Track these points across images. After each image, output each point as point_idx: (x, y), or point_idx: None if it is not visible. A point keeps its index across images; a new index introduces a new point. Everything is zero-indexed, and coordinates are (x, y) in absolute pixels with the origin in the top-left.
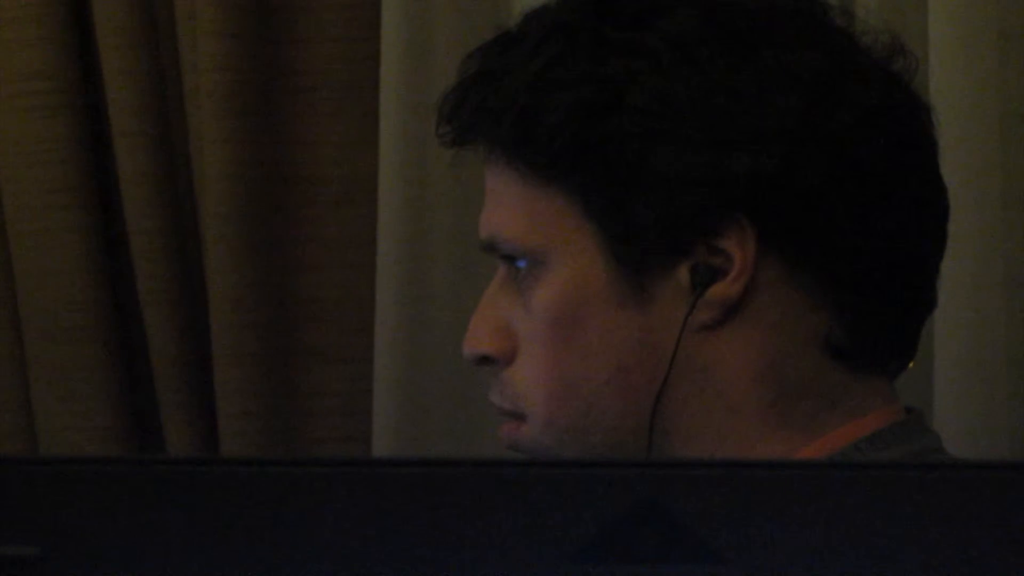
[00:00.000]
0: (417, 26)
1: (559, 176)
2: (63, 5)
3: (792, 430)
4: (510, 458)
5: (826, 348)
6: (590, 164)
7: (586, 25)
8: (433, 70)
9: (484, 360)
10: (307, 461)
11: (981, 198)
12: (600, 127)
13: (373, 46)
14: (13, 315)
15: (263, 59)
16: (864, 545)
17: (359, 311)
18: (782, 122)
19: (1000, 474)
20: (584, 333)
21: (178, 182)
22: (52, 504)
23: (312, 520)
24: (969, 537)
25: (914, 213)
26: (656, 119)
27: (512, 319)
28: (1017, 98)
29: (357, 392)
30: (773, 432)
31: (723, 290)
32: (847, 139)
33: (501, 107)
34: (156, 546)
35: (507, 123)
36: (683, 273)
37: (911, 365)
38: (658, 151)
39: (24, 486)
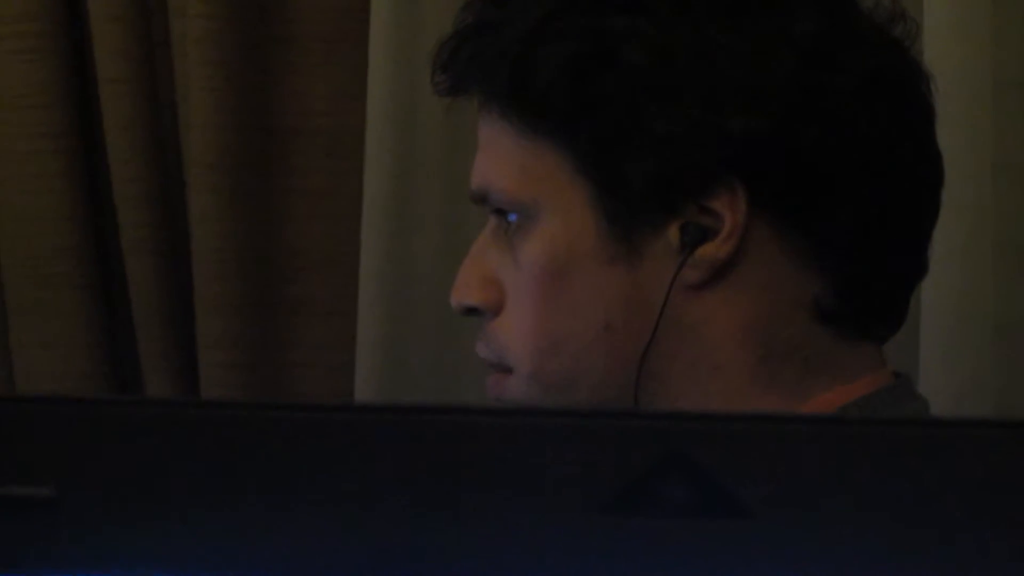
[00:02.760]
0: None
1: (552, 130)
2: None
3: (779, 393)
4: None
5: (815, 312)
6: (583, 119)
7: None
8: (423, 22)
9: (471, 311)
10: (319, 407)
11: (973, 165)
12: (594, 82)
13: None
14: None
15: (251, 7)
16: (876, 501)
17: (344, 263)
18: (777, 84)
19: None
20: (572, 289)
21: (163, 130)
22: (66, 444)
23: (326, 465)
24: (968, 494)
25: (908, 179)
26: (651, 76)
27: (501, 271)
28: (1010, 66)
29: (341, 344)
30: (760, 394)
31: (712, 250)
32: (843, 103)
33: (496, 58)
34: (171, 487)
35: (502, 75)
36: (673, 232)
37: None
38: (652, 109)
39: (38, 426)
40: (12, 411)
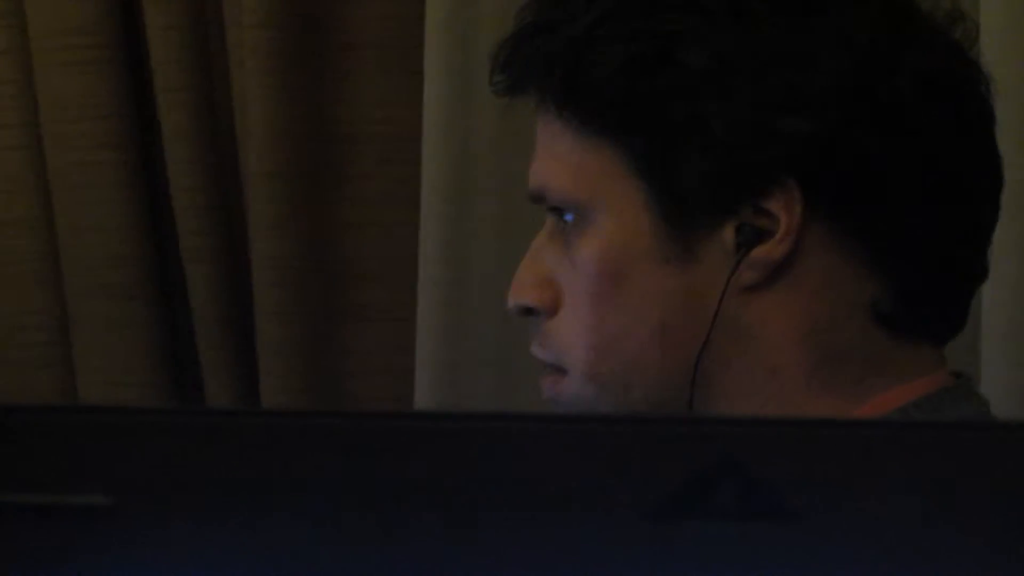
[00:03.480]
0: None
1: (608, 130)
2: None
3: (837, 395)
4: (552, 412)
5: (873, 314)
6: (639, 119)
7: None
8: (477, 28)
9: (527, 311)
10: (374, 414)
11: None
12: (651, 82)
13: (419, 4)
14: (55, 270)
15: (306, 16)
16: (929, 504)
17: (402, 270)
18: (835, 85)
19: None
20: (627, 289)
21: (221, 139)
22: (124, 454)
23: (371, 473)
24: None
25: (967, 182)
26: (707, 77)
27: (557, 272)
28: None
29: (400, 350)
30: (817, 396)
31: (768, 251)
32: (901, 104)
33: (553, 58)
34: (226, 497)
35: (558, 74)
36: (728, 233)
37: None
38: (708, 109)
39: (95, 435)
40: (66, 420)
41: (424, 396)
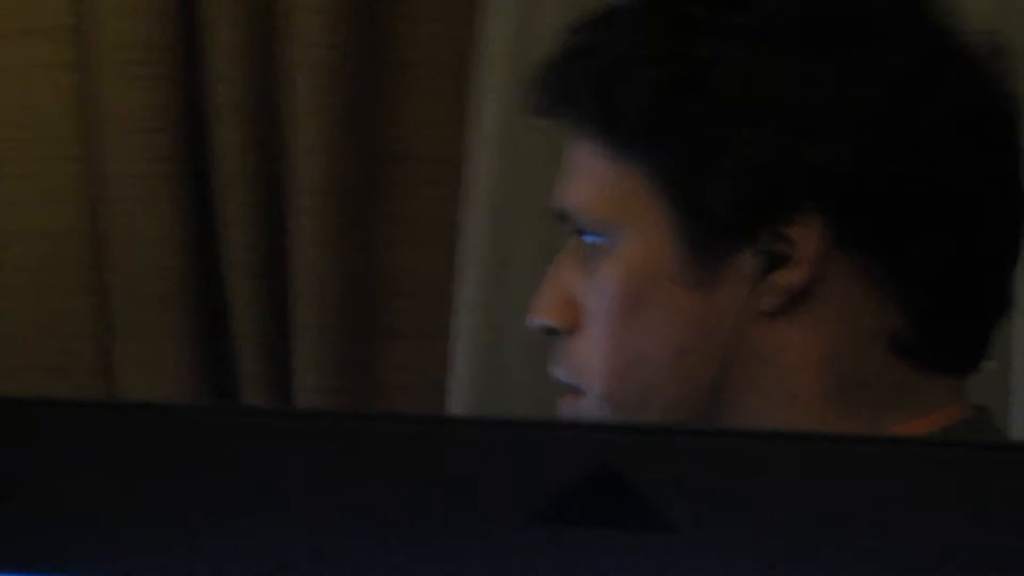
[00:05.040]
0: (520, 8)
1: (636, 153)
2: None
3: (854, 423)
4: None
5: (893, 345)
6: (667, 142)
7: (676, 5)
8: (530, 51)
9: (548, 331)
10: (287, 413)
11: None
12: (680, 107)
13: (472, 25)
14: (102, 280)
15: (359, 34)
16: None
17: (439, 289)
18: (862, 115)
19: None
20: (648, 312)
21: (272, 155)
22: (12, 446)
23: (276, 471)
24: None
25: (991, 215)
26: (734, 103)
27: (579, 292)
28: None
29: (435, 369)
30: (834, 424)
31: (787, 277)
32: (928, 137)
33: (585, 81)
34: (126, 494)
35: (589, 97)
36: (749, 258)
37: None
38: (734, 135)
39: None
40: None
41: (459, 412)
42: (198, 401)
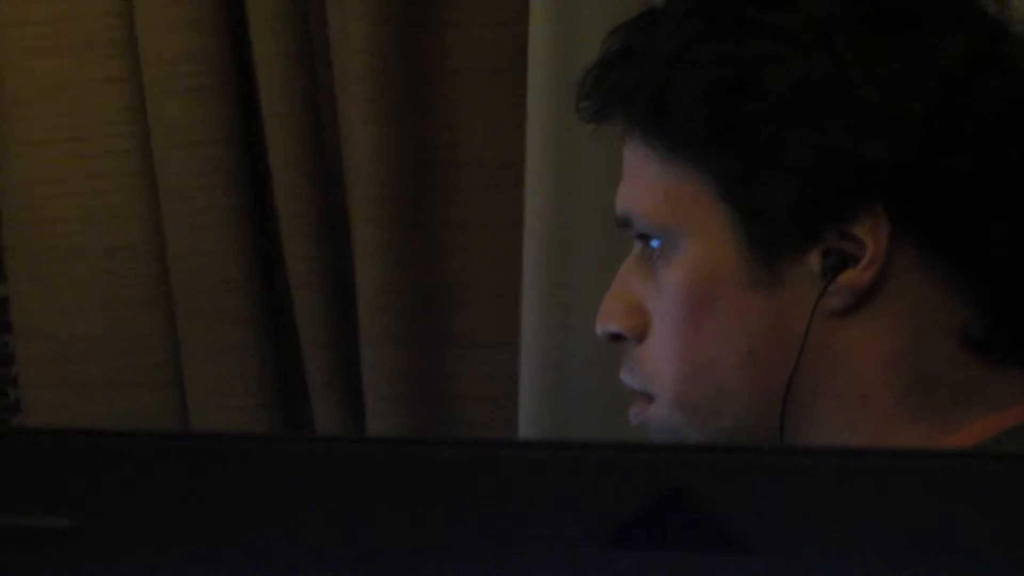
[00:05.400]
0: (565, 11)
1: (693, 155)
2: None
3: (927, 422)
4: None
5: (963, 340)
6: (724, 145)
7: (727, 5)
8: (581, 55)
9: (616, 337)
10: (334, 439)
11: None
12: (735, 108)
13: (521, 31)
14: (167, 294)
15: (412, 43)
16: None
17: (505, 295)
18: (921, 108)
19: None
20: (715, 315)
21: (328, 165)
22: (83, 476)
23: (342, 498)
24: None
25: None
26: (792, 101)
27: (645, 297)
28: None
29: (503, 376)
30: (907, 423)
31: (854, 277)
32: (988, 128)
33: (638, 84)
34: (184, 521)
35: (643, 100)
36: (814, 258)
37: None
38: (793, 134)
39: (56, 457)
40: (29, 443)
41: (528, 421)
42: (267, 430)
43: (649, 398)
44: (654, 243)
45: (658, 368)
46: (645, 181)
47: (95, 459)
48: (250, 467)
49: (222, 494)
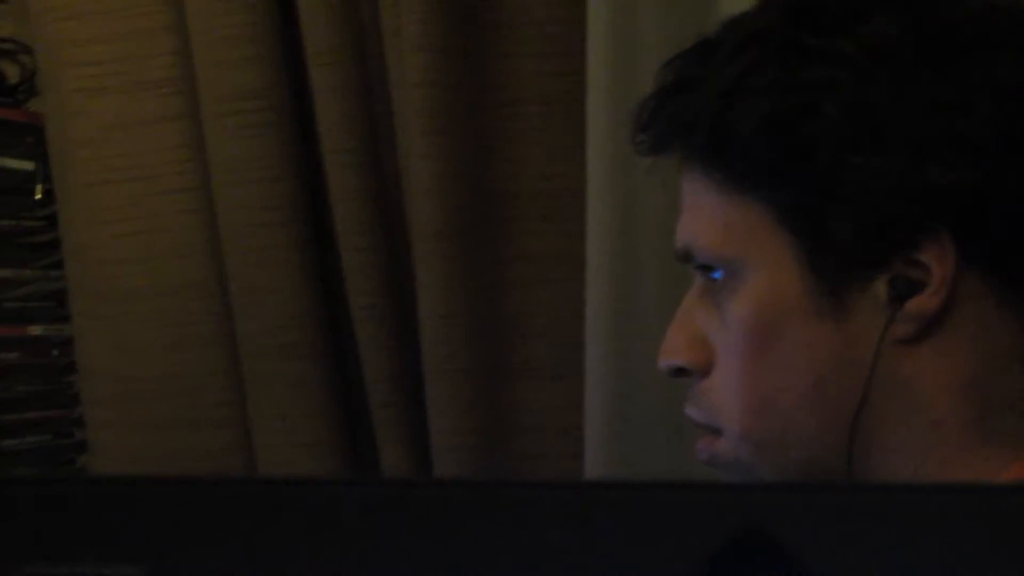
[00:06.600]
0: (623, 40)
1: (754, 185)
2: (272, 25)
3: (997, 447)
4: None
5: None
6: (785, 173)
7: (782, 32)
8: (639, 83)
9: (680, 372)
10: (407, 483)
11: None
12: (795, 136)
13: (579, 60)
14: (230, 331)
15: (469, 74)
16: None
17: (569, 327)
18: (984, 133)
19: None
20: (781, 346)
21: (388, 199)
22: (155, 524)
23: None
24: None
25: None
26: (852, 128)
27: (709, 330)
28: None
29: (568, 408)
30: (977, 449)
31: (922, 304)
32: None
33: (695, 115)
34: (258, 567)
35: (701, 131)
36: (881, 286)
37: None
38: (854, 161)
39: (128, 505)
40: (100, 491)
41: (594, 453)
42: (335, 472)
43: (716, 432)
44: (716, 275)
45: (724, 402)
46: (705, 212)
47: (166, 505)
48: (321, 512)
49: (293, 539)
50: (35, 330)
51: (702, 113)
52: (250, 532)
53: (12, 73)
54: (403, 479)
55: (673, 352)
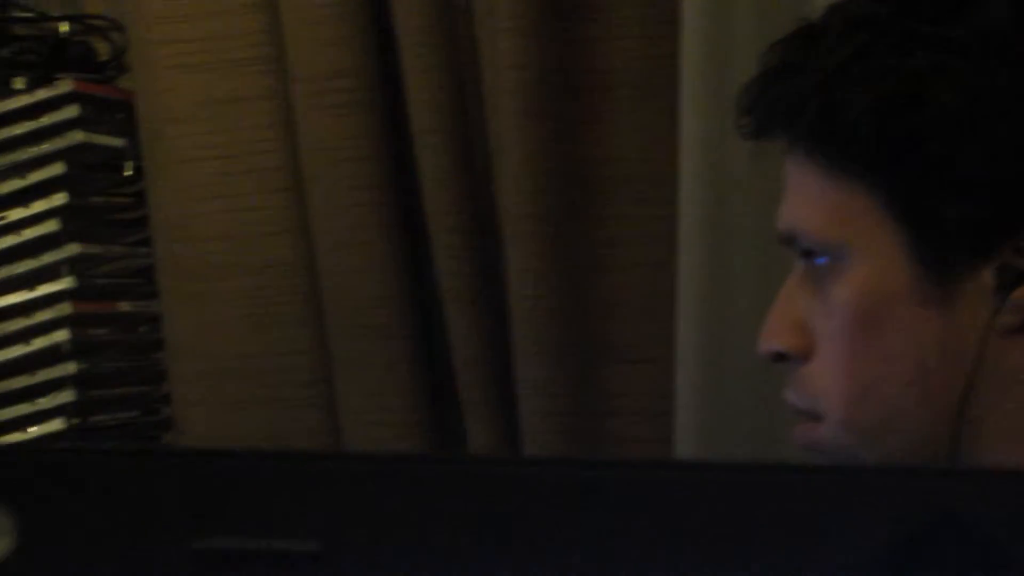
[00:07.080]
0: (717, 22)
1: (861, 171)
2: (364, 5)
3: None
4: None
5: None
6: (893, 160)
7: (891, 18)
8: (733, 66)
9: (779, 357)
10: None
11: None
12: (904, 122)
13: (672, 43)
14: (319, 312)
15: (562, 57)
16: None
17: (660, 311)
18: None
19: None
20: (885, 333)
21: (478, 180)
22: (332, 500)
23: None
24: None
25: None
26: (963, 116)
27: (810, 316)
28: None
29: (659, 392)
30: None
31: None
32: None
33: (802, 100)
34: (431, 543)
35: (808, 116)
36: (987, 275)
37: None
38: (964, 149)
39: (304, 482)
40: (279, 467)
41: (684, 436)
42: (423, 450)
43: (816, 418)
44: (819, 260)
45: (826, 388)
46: (810, 197)
47: (344, 483)
48: (501, 492)
49: (470, 518)
50: (124, 306)
51: (809, 97)
52: (425, 510)
53: (103, 50)
54: (492, 456)
55: (774, 336)
